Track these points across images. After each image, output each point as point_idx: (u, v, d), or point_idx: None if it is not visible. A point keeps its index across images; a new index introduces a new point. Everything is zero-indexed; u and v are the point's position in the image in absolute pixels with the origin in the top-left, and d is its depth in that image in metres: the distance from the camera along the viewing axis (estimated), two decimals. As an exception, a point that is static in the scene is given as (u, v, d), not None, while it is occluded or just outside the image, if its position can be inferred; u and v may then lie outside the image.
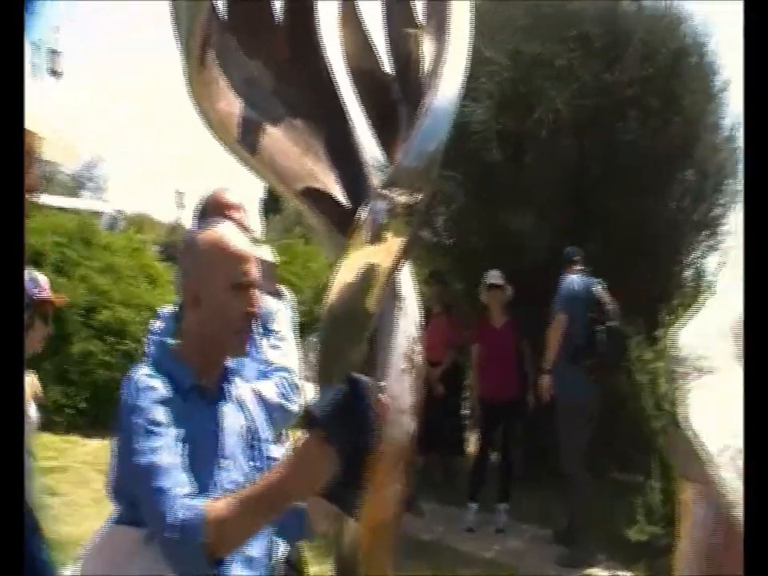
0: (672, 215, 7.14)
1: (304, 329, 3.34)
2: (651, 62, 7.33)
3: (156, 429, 1.60)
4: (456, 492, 6.72)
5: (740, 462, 0.63)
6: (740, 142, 8.09)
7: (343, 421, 1.51)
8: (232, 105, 2.24)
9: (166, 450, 1.59)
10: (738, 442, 0.64)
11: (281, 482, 1.50)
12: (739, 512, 0.65)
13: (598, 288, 5.76)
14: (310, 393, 2.40)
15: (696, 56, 7.84)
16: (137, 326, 8.18)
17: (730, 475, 0.63)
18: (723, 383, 0.70)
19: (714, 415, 0.68)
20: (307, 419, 1.51)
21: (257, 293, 1.76)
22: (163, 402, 1.64)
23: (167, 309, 2.62)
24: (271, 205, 23.92)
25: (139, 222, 23.60)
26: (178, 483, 1.56)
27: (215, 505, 1.52)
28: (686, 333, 0.75)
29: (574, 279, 5.86)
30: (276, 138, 2.32)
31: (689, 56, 7.77)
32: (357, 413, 1.53)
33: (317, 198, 2.30)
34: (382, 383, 1.72)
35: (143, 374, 1.68)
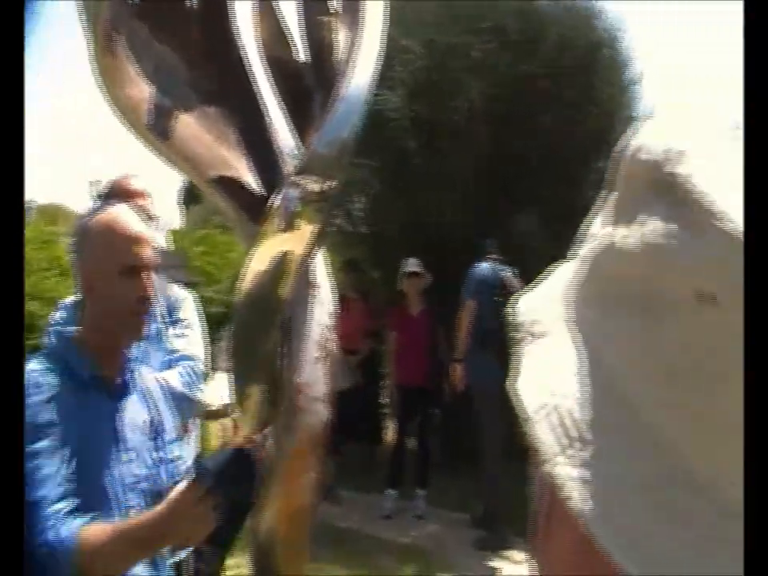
0: (588, 204, 7.31)
1: (223, 318, 3.31)
2: (567, 55, 7.46)
3: (41, 432, 1.54)
4: (374, 480, 6.75)
5: (554, 418, 0.66)
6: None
7: (230, 481, 1.52)
8: (143, 91, 2.20)
9: (49, 457, 1.54)
10: (555, 400, 0.67)
11: (156, 524, 1.48)
12: (560, 478, 0.69)
13: (507, 274, 5.87)
14: (223, 383, 2.39)
15: (610, 49, 8.01)
16: (46, 320, 7.95)
17: (545, 433, 0.66)
18: (552, 346, 0.72)
19: (539, 376, 0.71)
20: (196, 471, 1.52)
21: (152, 276, 1.72)
22: (53, 399, 1.58)
23: (69, 299, 2.56)
24: (192, 194, 23.46)
25: (53, 213, 22.92)
26: (55, 497, 1.50)
27: (90, 530, 1.49)
28: (524, 300, 0.80)
29: (483, 267, 5.96)
30: (188, 125, 2.29)
31: (603, 49, 7.93)
32: (245, 476, 1.55)
33: (230, 185, 2.28)
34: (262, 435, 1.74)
35: (32, 369, 1.61)
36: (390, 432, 7.38)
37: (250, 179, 2.29)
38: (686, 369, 0.64)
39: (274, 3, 2.66)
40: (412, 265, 6.44)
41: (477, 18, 7.45)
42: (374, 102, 2.46)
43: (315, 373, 2.23)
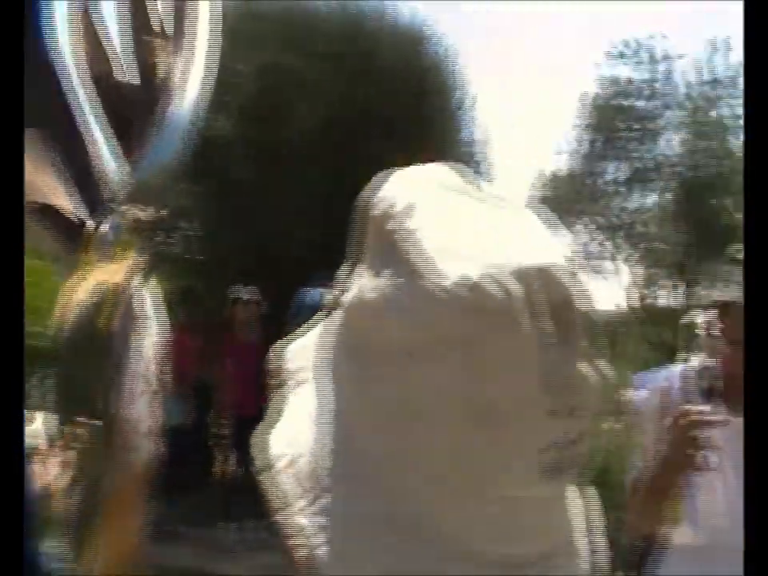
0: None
1: (45, 353, 3.13)
2: (399, 80, 7.61)
3: None
4: (210, 513, 6.61)
5: (291, 469, 0.70)
6: (484, 157, 8.57)
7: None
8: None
9: None
10: (298, 449, 0.71)
11: None
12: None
13: None
14: (38, 422, 2.26)
15: (442, 74, 8.23)
16: None
17: (284, 482, 0.69)
18: (308, 394, 0.76)
19: (290, 425, 0.75)
20: None
21: None
22: None
23: None
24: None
25: None
26: None
27: None
28: (292, 346, 0.85)
29: (311, 292, 5.96)
30: (2, 147, 2.16)
31: (435, 74, 8.14)
32: None
33: (49, 212, 2.16)
34: None
35: None
36: (224, 463, 7.23)
37: (71, 205, 2.18)
38: (398, 416, 0.65)
39: (96, 21, 2.55)
40: (243, 292, 6.39)
41: (311, 43, 7.47)
42: (205, 125, 2.40)
43: (144, 407, 2.14)
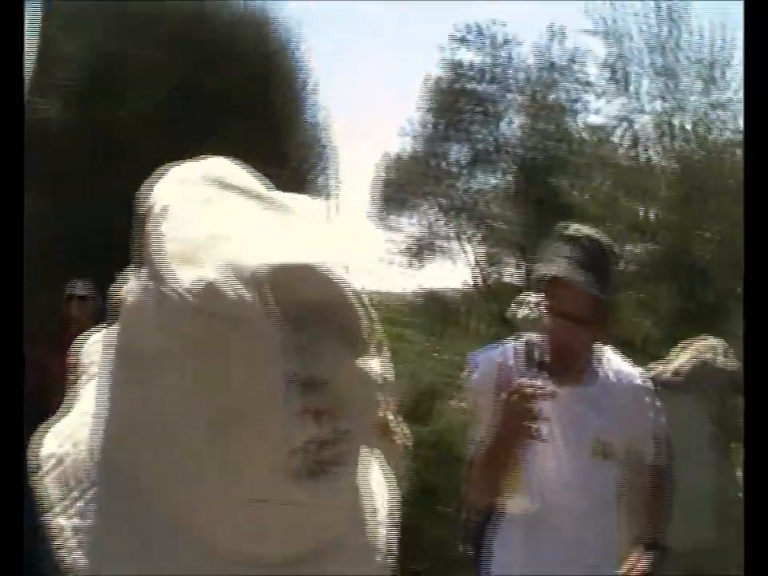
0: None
1: None
2: (244, 63, 7.52)
3: None
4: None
5: (59, 468, 0.68)
6: (329, 140, 8.58)
7: None
8: None
9: None
10: (67, 449, 0.70)
11: None
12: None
13: None
14: None
15: (287, 57, 8.19)
16: None
17: (51, 482, 0.68)
18: (92, 391, 0.75)
19: (67, 423, 0.75)
20: None
21: None
22: None
23: None
24: None
25: None
26: None
27: None
28: (90, 339, 0.84)
29: None
30: None
31: (279, 57, 8.09)
32: None
33: None
34: None
35: None
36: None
37: None
38: (150, 418, 0.66)
39: None
40: (76, 287, 6.13)
41: (146, 24, 7.27)
42: (32, 110, 2.28)
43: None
